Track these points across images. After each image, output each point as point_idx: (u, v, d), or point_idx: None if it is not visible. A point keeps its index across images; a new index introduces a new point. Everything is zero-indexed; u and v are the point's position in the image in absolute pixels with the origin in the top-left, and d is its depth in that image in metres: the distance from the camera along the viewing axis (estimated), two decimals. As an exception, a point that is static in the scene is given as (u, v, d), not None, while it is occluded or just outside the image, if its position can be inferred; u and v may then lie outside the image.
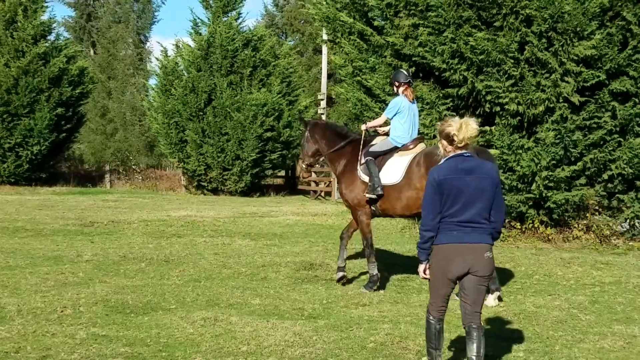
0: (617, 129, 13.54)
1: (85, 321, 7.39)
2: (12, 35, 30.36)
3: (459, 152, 5.33)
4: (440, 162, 5.53)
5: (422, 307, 8.03)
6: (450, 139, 5.32)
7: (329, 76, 43.87)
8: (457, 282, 5.38)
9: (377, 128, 9.95)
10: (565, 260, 11.50)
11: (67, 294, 8.55)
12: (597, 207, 14.48)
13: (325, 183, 33.54)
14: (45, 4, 32.44)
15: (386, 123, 9.79)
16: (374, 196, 9.19)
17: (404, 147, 9.29)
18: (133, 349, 6.43)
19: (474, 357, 5.37)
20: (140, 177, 39.55)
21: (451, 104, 14.18)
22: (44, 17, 32.29)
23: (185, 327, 7.17)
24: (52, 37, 33.08)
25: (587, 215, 14.37)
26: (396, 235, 15.85)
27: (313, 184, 34.02)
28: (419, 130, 9.92)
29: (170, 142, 32.51)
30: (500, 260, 11.50)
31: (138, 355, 6.25)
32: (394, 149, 9.33)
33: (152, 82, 36.90)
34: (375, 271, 9.23)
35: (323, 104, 38.10)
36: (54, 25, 33.74)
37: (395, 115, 9.36)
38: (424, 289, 9.15)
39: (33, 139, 29.93)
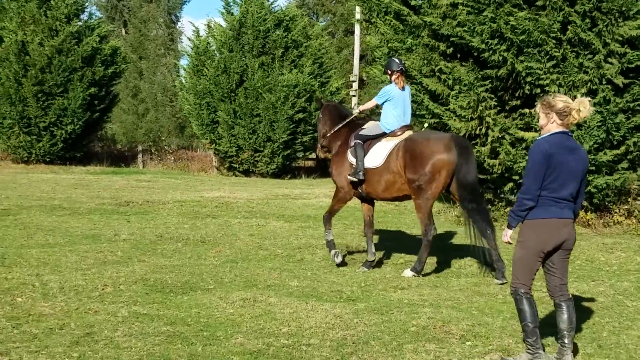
0: (663, 111, 13.23)
1: (126, 299, 7.39)
2: (46, 13, 30.47)
3: (563, 129, 5.44)
4: (543, 135, 5.52)
5: (462, 292, 7.93)
6: (565, 115, 5.43)
7: (361, 57, 43.60)
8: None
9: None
10: (608, 245, 11.28)
11: (107, 272, 8.57)
12: (639, 192, 14.20)
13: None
14: (79, -17, 32.55)
15: (378, 108, 10.04)
16: (355, 179, 9.50)
17: (392, 133, 9.54)
18: (174, 328, 6.41)
19: (566, 329, 5.51)
20: (172, 158, 39.69)
21: (490, 85, 13.92)
22: (78, -5, 32.41)
23: (224, 307, 7.13)
24: (84, 17, 33.25)
25: (629, 200, 14.10)
26: (431, 218, 15.68)
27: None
28: (412, 116, 10.38)
29: (202, 123, 32.51)
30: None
31: (180, 335, 6.22)
32: (383, 134, 9.60)
33: (184, 62, 36.94)
34: (330, 237, 9.69)
35: (355, 85, 37.87)
36: (87, 4, 33.86)
37: (385, 102, 9.62)
38: (462, 273, 9.05)
39: (67, 118, 30.11)
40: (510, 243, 5.61)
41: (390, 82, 9.73)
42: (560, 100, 5.49)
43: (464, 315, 6.86)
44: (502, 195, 14.95)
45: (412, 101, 15.27)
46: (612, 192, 13.94)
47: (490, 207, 14.97)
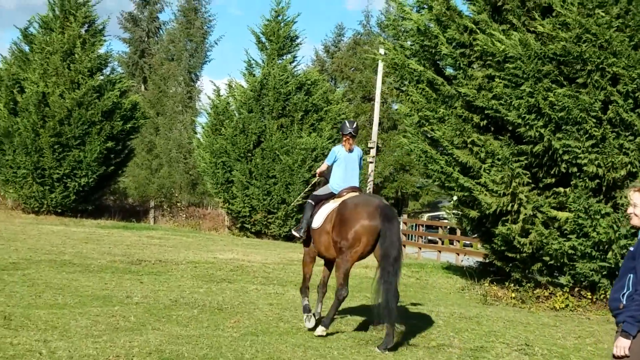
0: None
1: (139, 374, 6.77)
2: (69, 66, 30.46)
3: None
4: None
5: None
6: None
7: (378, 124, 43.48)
8: None
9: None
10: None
11: (119, 340, 7.95)
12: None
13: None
14: (104, 38, 32.66)
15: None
16: (296, 235, 10.06)
17: (338, 195, 9.73)
18: (194, 414, 5.77)
19: None
20: (184, 215, 39.22)
21: (525, 161, 13.44)
22: (101, 50, 32.50)
23: (248, 389, 6.49)
24: (107, 71, 33.26)
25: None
26: (455, 296, 15.02)
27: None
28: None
29: (217, 182, 32.19)
30: (579, 333, 10.67)
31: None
32: (332, 195, 9.83)
33: (202, 120, 36.81)
34: (305, 302, 9.84)
35: (373, 152, 37.56)
36: (110, 59, 33.94)
37: (333, 162, 9.92)
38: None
39: (82, 170, 29.83)
40: (628, 356, 4.82)
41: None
42: None
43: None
44: (531, 276, 14.30)
45: (442, 172, 14.87)
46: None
47: (518, 287, 14.33)
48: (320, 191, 10.13)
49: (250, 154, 31.40)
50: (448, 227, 29.57)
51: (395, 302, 8.86)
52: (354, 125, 10.07)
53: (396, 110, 59.12)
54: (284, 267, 16.85)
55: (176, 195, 45.13)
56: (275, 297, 12.11)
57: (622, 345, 4.78)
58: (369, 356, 8.21)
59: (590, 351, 9.49)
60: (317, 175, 10.74)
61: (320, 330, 9.14)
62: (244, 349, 8.04)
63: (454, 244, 28.97)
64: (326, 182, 10.20)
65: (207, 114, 34.34)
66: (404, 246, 28.62)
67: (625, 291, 4.80)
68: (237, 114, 32.25)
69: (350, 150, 9.91)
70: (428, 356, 8.44)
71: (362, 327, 9.79)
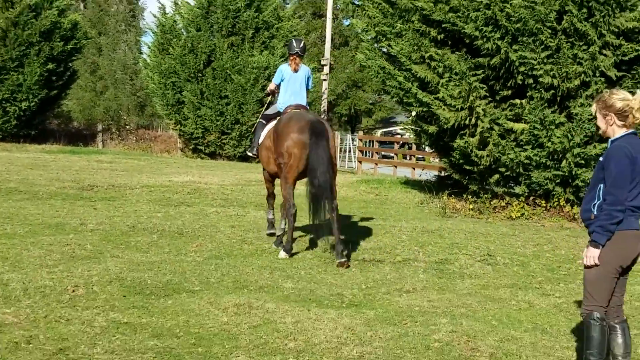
0: (653, 106, 12.82)
1: (101, 304, 6.58)
2: (2, -16, 29.10)
3: (630, 130, 4.86)
4: (615, 137, 4.88)
5: (473, 297, 7.33)
6: (625, 115, 4.80)
7: (324, 41, 42.83)
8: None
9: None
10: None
11: (76, 270, 7.72)
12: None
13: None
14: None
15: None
16: (249, 154, 10.53)
17: (283, 112, 9.75)
18: (163, 341, 5.65)
19: (621, 354, 4.89)
20: (134, 138, 38.58)
21: (482, 74, 13.37)
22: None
23: (217, 314, 6.39)
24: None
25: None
26: (415, 210, 15.13)
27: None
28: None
29: (167, 103, 31.56)
30: (537, 241, 10.86)
31: (170, 351, 5.47)
32: (278, 114, 9.91)
33: (148, 39, 35.83)
34: (270, 215, 10.38)
35: (326, 69, 37.14)
36: (45, -25, 32.49)
37: (280, 82, 9.99)
38: (465, 274, 8.46)
39: (22, 94, 28.89)
40: (597, 265, 4.78)
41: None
42: (619, 99, 4.85)
43: (485, 328, 6.25)
44: (488, 187, 14.46)
45: (400, 88, 14.73)
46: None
47: (475, 199, 14.48)
48: (270, 110, 10.24)
49: (200, 74, 30.76)
50: (401, 142, 29.75)
51: (330, 202, 8.92)
52: (301, 44, 10.05)
53: (348, 26, 58.42)
54: (242, 189, 16.70)
55: (124, 117, 44.23)
56: (236, 219, 11.99)
57: (592, 255, 4.77)
58: (337, 274, 8.19)
59: (549, 257, 9.68)
60: (267, 93, 10.79)
61: (282, 254, 9.08)
62: (209, 273, 7.93)
63: (408, 158, 29.18)
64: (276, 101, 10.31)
65: (153, 33, 33.36)
66: (360, 162, 28.73)
67: (596, 201, 4.79)
68: (185, 33, 31.43)
69: (297, 70, 9.92)
70: (395, 271, 8.46)
71: (327, 246, 9.74)
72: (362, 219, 12.71)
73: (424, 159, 28.74)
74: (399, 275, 8.22)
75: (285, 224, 9.60)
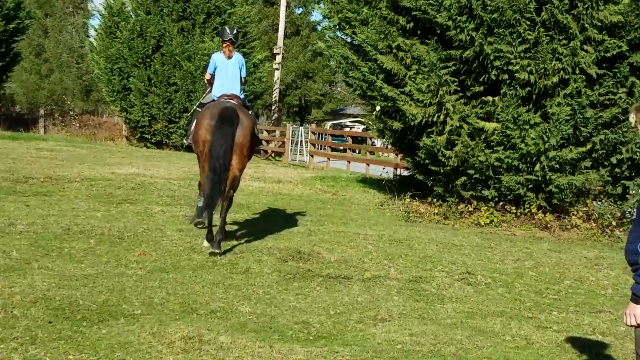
0: (633, 107, 12.07)
1: (21, 334, 5.40)
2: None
3: None
4: None
5: (461, 329, 6.32)
6: None
7: (277, 30, 41.65)
8: None
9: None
10: (591, 260, 9.97)
11: (-4, 285, 6.55)
12: (597, 194, 13.05)
13: (276, 143, 31.72)
14: None
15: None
16: (185, 143, 10.42)
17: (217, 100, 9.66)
18: (92, 391, 4.56)
19: None
20: (77, 124, 36.96)
21: (453, 67, 12.44)
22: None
23: (160, 351, 5.29)
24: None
25: (588, 201, 12.94)
26: (376, 213, 14.17)
27: (264, 143, 32.22)
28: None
29: (113, 89, 30.18)
30: (517, 255, 9.96)
31: (101, 405, 4.38)
32: (213, 102, 9.75)
33: (95, 22, 34.32)
34: (201, 202, 9.51)
35: (279, 58, 36.03)
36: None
37: (214, 70, 9.84)
38: (445, 297, 7.48)
39: (-41, 75, 27.22)
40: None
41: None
42: None
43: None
44: (454, 190, 13.51)
45: (364, 80, 13.73)
46: (571, 193, 12.74)
47: (441, 202, 13.59)
48: (206, 99, 10.13)
49: (149, 60, 29.42)
50: (350, 137, 28.88)
51: (217, 199, 8.83)
52: (234, 32, 9.95)
53: (300, 15, 57.27)
54: (190, 184, 15.53)
55: (68, 102, 42.46)
56: (184, 222, 10.84)
57: (633, 312, 3.73)
58: (300, 294, 7.14)
59: (533, 277, 8.75)
60: (206, 83, 10.50)
61: (205, 244, 8.95)
62: (152, 292, 6.82)
63: (357, 152, 28.38)
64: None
65: (101, 15, 31.88)
66: (312, 156, 27.73)
67: None
68: (133, 16, 30.04)
69: (230, 57, 9.77)
70: (365, 291, 7.43)
71: (288, 257, 8.70)
72: (321, 224, 11.72)
73: (373, 153, 27.87)
74: (371, 298, 7.19)
75: (202, 201, 9.33)
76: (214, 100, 9.68)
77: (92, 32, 34.56)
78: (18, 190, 12.66)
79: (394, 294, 7.40)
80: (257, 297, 6.93)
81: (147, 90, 29.35)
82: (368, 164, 23.60)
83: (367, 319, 6.44)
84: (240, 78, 9.88)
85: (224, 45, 9.81)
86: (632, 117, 3.95)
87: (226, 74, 9.71)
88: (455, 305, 7.14)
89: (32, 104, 49.20)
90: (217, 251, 8.60)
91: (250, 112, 9.81)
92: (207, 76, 10.15)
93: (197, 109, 10.12)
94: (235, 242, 9.46)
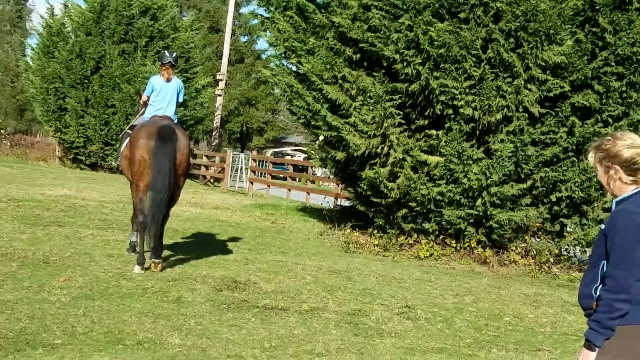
0: (573, 147, 12.21)
1: None
2: None
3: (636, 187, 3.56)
4: (620, 198, 3.59)
5: (400, 365, 6.07)
6: (635, 167, 3.52)
7: (221, 56, 41.35)
8: None
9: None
10: (530, 297, 9.85)
11: None
12: (535, 230, 13.09)
13: (216, 169, 31.27)
14: None
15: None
16: (113, 164, 9.94)
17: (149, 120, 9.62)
18: None
19: None
20: (9, 143, 35.85)
21: (399, 100, 12.34)
22: None
23: (80, 384, 4.89)
24: None
25: (526, 238, 12.96)
26: (315, 242, 13.89)
27: (203, 169, 31.76)
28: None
29: (48, 109, 29.40)
30: (457, 290, 9.78)
31: None
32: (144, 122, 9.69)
33: (33, 42, 33.51)
34: (133, 238, 9.81)
35: (222, 84, 35.68)
36: None
37: (151, 92, 9.78)
38: (384, 331, 7.19)
39: None
40: None
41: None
42: (626, 146, 3.53)
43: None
44: (395, 222, 13.36)
45: (308, 109, 13.53)
46: (510, 229, 12.73)
47: (382, 234, 13.41)
48: (137, 121, 10.08)
49: (87, 81, 28.79)
50: (291, 165, 28.65)
51: (158, 217, 8.85)
52: (174, 55, 9.95)
53: (245, 43, 57.16)
54: (124, 207, 15.01)
55: (0, 121, 41.24)
56: (115, 246, 10.36)
57: (587, 358, 3.46)
58: (234, 325, 6.76)
59: (472, 312, 8.56)
60: (141, 104, 10.45)
61: (137, 269, 8.74)
62: (75, 320, 6.37)
63: (297, 181, 28.16)
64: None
65: (39, 34, 31.12)
66: (252, 183, 27.37)
67: (598, 284, 3.52)
68: (73, 37, 29.41)
69: (169, 80, 9.74)
70: (302, 324, 7.10)
71: (223, 286, 8.33)
72: (259, 252, 11.37)
73: (313, 182, 27.71)
74: (308, 331, 6.87)
75: (136, 237, 9.44)
76: (145, 121, 9.59)
77: (28, 51, 33.66)
78: (-62, 210, 12.01)
79: (331, 328, 7.09)
80: (188, 327, 6.54)
81: (84, 112, 28.66)
82: (308, 193, 23.37)
83: (304, 354, 6.12)
84: (177, 102, 9.86)
85: (163, 68, 9.79)
86: (590, 156, 3.73)
87: (164, 97, 9.68)
88: (394, 340, 6.87)
89: (-37, 121, 47.76)
90: (158, 261, 8.93)
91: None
92: (144, 98, 10.06)
93: (128, 130, 10.02)
94: (168, 269, 9.04)
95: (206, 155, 32.90)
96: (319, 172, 32.93)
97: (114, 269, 8.75)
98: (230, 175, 29.62)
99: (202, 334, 6.40)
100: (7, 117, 47.94)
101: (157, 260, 8.92)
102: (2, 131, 37.97)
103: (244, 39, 56.79)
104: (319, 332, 6.88)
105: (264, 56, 55.30)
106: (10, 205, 13.51)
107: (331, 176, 18.87)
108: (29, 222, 11.87)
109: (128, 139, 9.63)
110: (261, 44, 57.92)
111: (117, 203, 15.86)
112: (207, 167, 31.88)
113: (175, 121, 9.73)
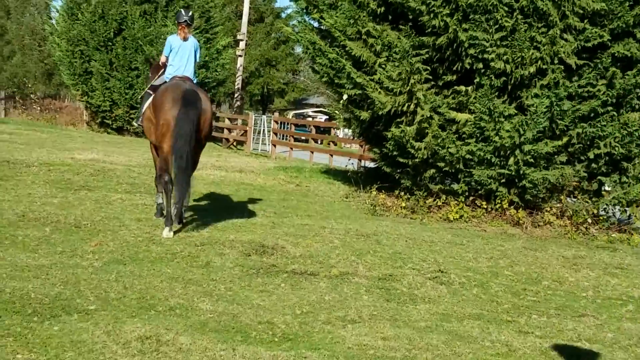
0: (613, 100, 11.72)
1: (-34, 328, 4.97)
2: None
3: None
4: None
5: (436, 333, 5.94)
6: None
7: (240, 16, 40.91)
8: None
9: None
10: (570, 260, 9.63)
11: (-61, 278, 6.06)
12: (571, 190, 12.75)
13: (238, 131, 31.17)
14: None
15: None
16: (134, 124, 10.43)
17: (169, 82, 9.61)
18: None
19: None
20: (38, 108, 36.05)
21: (426, 55, 12.06)
22: None
23: (115, 351, 4.85)
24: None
25: (562, 198, 12.64)
26: (341, 205, 13.77)
27: (226, 132, 31.69)
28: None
29: (74, 73, 29.37)
30: (490, 254, 9.63)
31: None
32: (164, 84, 9.67)
33: (58, 3, 33.39)
34: (159, 200, 9.81)
35: (242, 45, 35.41)
36: None
37: (170, 52, 9.75)
38: (417, 297, 7.08)
39: None
40: None
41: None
42: None
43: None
44: (422, 183, 13.15)
45: (331, 67, 13.31)
46: (545, 189, 12.41)
47: (409, 196, 13.21)
48: (157, 81, 10.03)
49: (110, 43, 28.67)
50: (313, 126, 28.49)
51: (182, 181, 8.84)
52: (190, 14, 9.89)
53: (264, 1, 56.45)
54: (151, 171, 14.92)
55: (29, 85, 41.42)
56: (143, 210, 10.35)
57: None
58: (264, 291, 6.72)
59: (509, 276, 8.39)
60: (152, 65, 10.66)
61: (166, 233, 8.76)
62: (108, 285, 6.36)
63: (319, 142, 27.99)
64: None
65: (62, -5, 31.02)
66: (274, 146, 27.24)
67: None
68: (94, -2, 29.25)
69: (185, 39, 9.72)
70: (332, 289, 7.02)
71: (251, 251, 8.27)
72: (285, 216, 11.30)
73: (335, 144, 27.57)
74: (339, 296, 6.78)
75: (162, 198, 9.53)
76: (166, 82, 9.59)
77: (54, 13, 33.59)
78: (-28, 175, 12.09)
79: (363, 293, 7.00)
80: (219, 293, 6.50)
81: (109, 75, 28.62)
82: (332, 155, 23.22)
83: (336, 320, 6.04)
84: (195, 61, 9.83)
85: (180, 27, 9.75)
86: None
87: (182, 56, 9.65)
88: (428, 306, 6.77)
89: (-7, 87, 48.15)
90: (177, 224, 9.02)
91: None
92: (163, 59, 10.02)
93: (149, 91, 10.01)
94: (195, 234, 9.00)
95: (228, 118, 32.79)
96: (340, 133, 32.72)
97: (143, 233, 8.75)
98: (253, 138, 29.52)
99: (233, 299, 6.35)
100: (36, 82, 48.14)
101: (177, 225, 9.05)
102: (32, 95, 38.16)
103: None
104: (350, 297, 6.80)
105: (283, 15, 54.73)
106: (42, 169, 13.60)
107: (354, 137, 18.63)
108: (60, 186, 11.91)
109: (150, 99, 9.68)
110: (280, 1, 57.22)
111: (144, 167, 15.87)
112: (229, 130, 31.78)
113: (195, 81, 9.74)
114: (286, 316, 6.03)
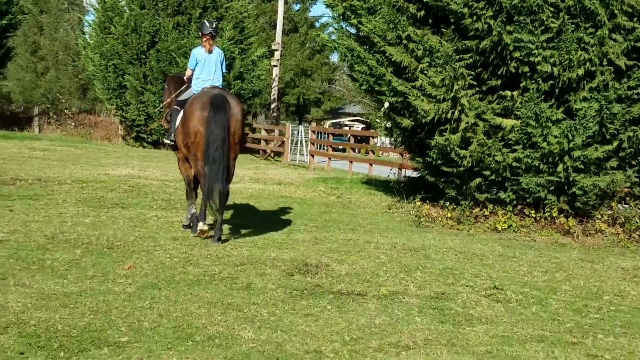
0: (665, 102, 11.19)
1: (-15, 370, 4.59)
2: None
3: None
4: None
5: (497, 358, 5.43)
6: None
7: (274, 26, 40.75)
8: None
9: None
10: (629, 272, 9.05)
11: (-37, 308, 5.71)
12: (623, 196, 12.16)
13: (275, 142, 30.84)
14: None
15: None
16: (168, 142, 10.14)
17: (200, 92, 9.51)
18: None
19: None
20: (73, 123, 36.10)
21: (469, 60, 11.56)
22: None
23: (148, 391, 4.44)
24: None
25: (613, 204, 12.04)
26: (384, 217, 13.29)
27: (263, 143, 31.40)
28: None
29: (108, 87, 29.33)
30: (545, 267, 9.07)
31: None
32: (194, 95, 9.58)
33: (91, 18, 33.47)
34: (192, 210, 9.78)
35: (277, 55, 35.15)
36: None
37: (195, 65, 9.69)
38: (473, 317, 6.56)
39: (-52, 72, 26.38)
40: None
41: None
42: None
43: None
44: (467, 192, 12.61)
45: (370, 74, 12.86)
46: (595, 195, 11.83)
47: (455, 206, 12.70)
48: (184, 95, 9.97)
49: (144, 56, 28.57)
50: (352, 136, 27.95)
51: (218, 188, 8.74)
52: (214, 25, 9.82)
53: (298, 11, 56.27)
54: (187, 186, 14.66)
55: (63, 101, 41.62)
56: (179, 229, 9.98)
57: None
58: (309, 315, 6.25)
59: (568, 291, 7.84)
60: (187, 79, 10.29)
61: (200, 225, 9.07)
62: (141, 313, 5.96)
63: (357, 151, 27.54)
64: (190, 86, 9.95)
65: (95, 10, 31.03)
66: (312, 156, 26.84)
67: None
68: (127, 11, 29.15)
69: (210, 51, 9.66)
70: (382, 311, 6.53)
71: (293, 270, 7.83)
72: (328, 230, 10.85)
73: (373, 152, 27.09)
74: (390, 319, 6.29)
75: (195, 208, 9.65)
76: (195, 93, 9.49)
77: (87, 28, 33.70)
78: (3, 193, 11.88)
79: (415, 314, 6.50)
80: (261, 319, 6.05)
81: (143, 88, 28.50)
82: (371, 164, 22.75)
83: (388, 347, 5.55)
84: (222, 72, 9.79)
85: (204, 39, 9.68)
86: None
87: (209, 69, 9.61)
88: (486, 327, 6.25)
89: (28, 103, 48.50)
90: (218, 244, 8.85)
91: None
92: (189, 72, 9.93)
93: (176, 107, 9.88)
94: (234, 253, 8.58)
95: (265, 129, 32.50)
96: (378, 142, 32.21)
97: (180, 253, 8.35)
98: (291, 149, 29.17)
99: (276, 326, 5.90)
100: (71, 97, 48.40)
101: (216, 243, 8.90)
102: (66, 111, 38.28)
103: (296, 7, 55.99)
104: (402, 320, 6.30)
105: (317, 24, 54.48)
106: (74, 187, 13.35)
107: (395, 146, 18.12)
108: (93, 204, 11.62)
109: (180, 114, 9.59)
110: (314, 10, 57.03)
111: (180, 182, 15.51)
112: (267, 142, 31.49)
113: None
114: (335, 343, 5.56)
